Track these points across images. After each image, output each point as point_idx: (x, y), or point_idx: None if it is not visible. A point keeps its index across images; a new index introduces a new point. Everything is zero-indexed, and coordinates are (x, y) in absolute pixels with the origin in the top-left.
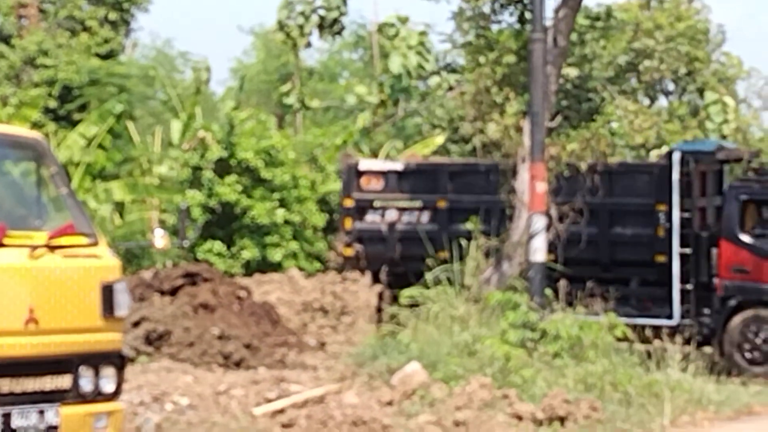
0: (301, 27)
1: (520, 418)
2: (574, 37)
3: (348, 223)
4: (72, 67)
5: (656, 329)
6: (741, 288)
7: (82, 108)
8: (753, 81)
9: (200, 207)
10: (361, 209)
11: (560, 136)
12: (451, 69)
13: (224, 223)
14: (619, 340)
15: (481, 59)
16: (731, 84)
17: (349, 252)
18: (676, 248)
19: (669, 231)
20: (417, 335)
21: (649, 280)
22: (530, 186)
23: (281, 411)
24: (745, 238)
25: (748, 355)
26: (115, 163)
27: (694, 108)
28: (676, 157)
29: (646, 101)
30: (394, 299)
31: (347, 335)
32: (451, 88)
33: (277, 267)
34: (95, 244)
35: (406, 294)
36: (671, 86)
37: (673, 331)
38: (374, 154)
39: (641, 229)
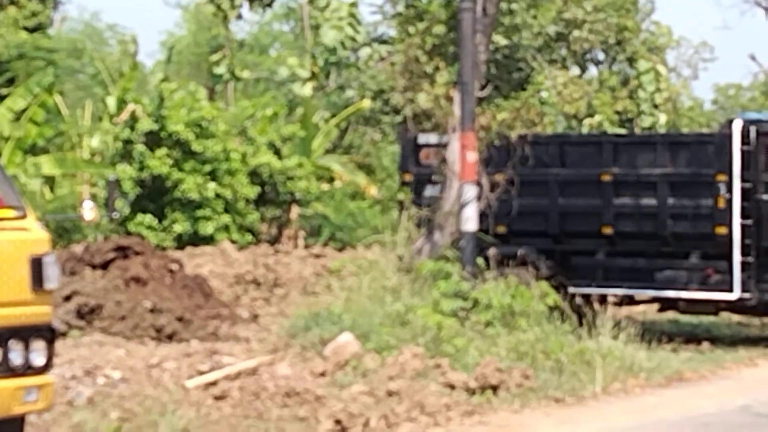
0: None
1: (452, 387)
2: (503, 6)
3: (410, 199)
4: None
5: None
6: None
7: (10, 82)
8: (682, 50)
9: (131, 180)
10: (419, 183)
11: (490, 106)
12: (381, 40)
13: (155, 197)
14: (551, 309)
15: (411, 29)
16: (661, 53)
17: None
18: (737, 219)
19: (730, 202)
20: (349, 306)
21: (710, 253)
22: (461, 155)
23: (214, 383)
24: None
25: None
26: (45, 138)
27: (625, 77)
28: (738, 125)
29: (577, 71)
30: None
31: (280, 307)
32: (382, 59)
33: (209, 240)
34: (23, 217)
35: (335, 265)
36: (601, 56)
37: (733, 306)
38: (303, 126)
39: (701, 200)
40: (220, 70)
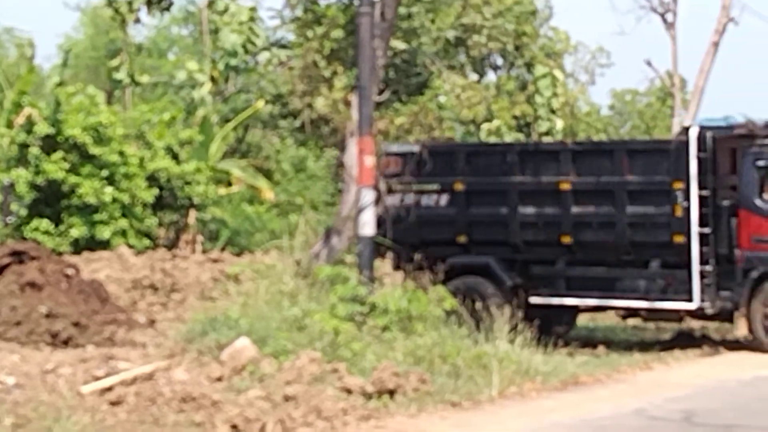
0: (129, 3)
1: (349, 391)
2: (402, 10)
3: None
4: None
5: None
6: (762, 259)
7: None
8: (580, 56)
9: (27, 185)
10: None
11: (389, 110)
12: (280, 45)
13: (52, 201)
14: (448, 313)
15: (310, 34)
16: (559, 58)
17: None
18: (695, 227)
19: (687, 210)
20: (246, 311)
21: (669, 262)
22: (359, 160)
23: (109, 389)
24: (765, 205)
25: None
26: None
27: (523, 83)
28: (694, 132)
29: (475, 76)
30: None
31: (177, 312)
32: (281, 64)
33: (106, 245)
34: None
35: (232, 270)
36: (500, 61)
37: (694, 315)
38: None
39: (659, 208)
40: (120, 75)
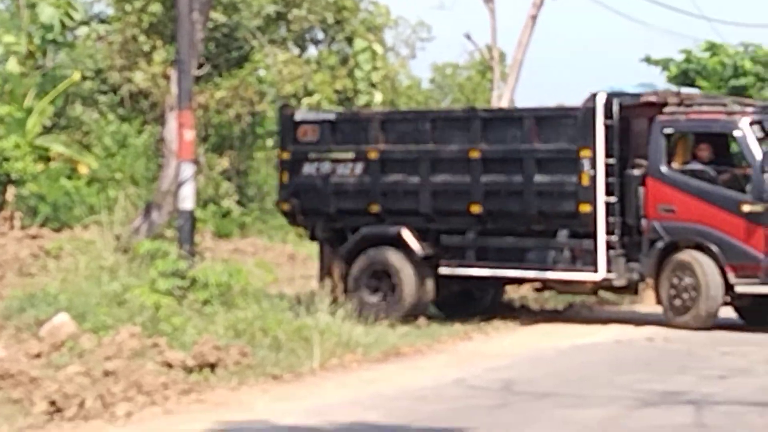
0: None
1: (170, 366)
2: None
3: (285, 177)
4: None
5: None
6: (669, 229)
7: None
8: (400, 30)
9: None
10: (297, 161)
11: (209, 84)
12: (100, 19)
13: None
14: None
15: (128, 8)
16: (379, 33)
17: (286, 207)
18: (602, 197)
19: (594, 179)
20: (66, 287)
21: (577, 232)
22: (178, 134)
23: None
24: (672, 174)
25: (676, 302)
26: None
27: (344, 57)
28: (601, 99)
29: (297, 50)
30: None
31: None
32: (100, 38)
33: None
34: None
35: (52, 246)
36: (321, 35)
37: (602, 286)
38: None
39: (566, 177)
40: None
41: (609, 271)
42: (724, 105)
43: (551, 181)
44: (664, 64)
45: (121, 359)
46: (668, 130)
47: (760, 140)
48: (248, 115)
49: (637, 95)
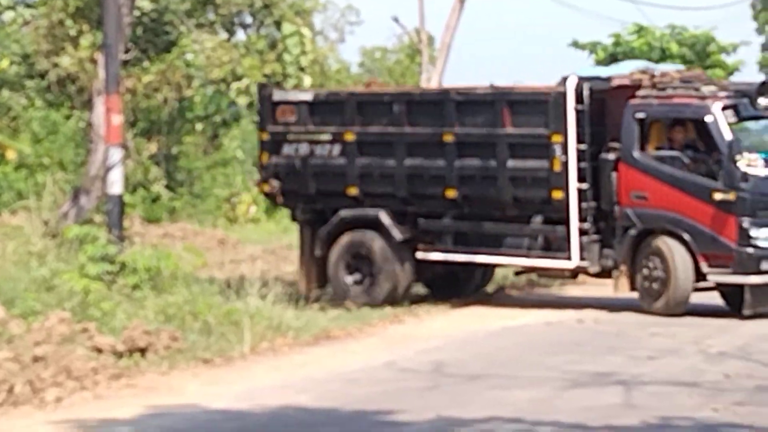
0: None
1: (100, 351)
2: None
3: (264, 158)
4: None
5: None
6: (641, 215)
7: None
8: (329, 13)
9: None
10: (276, 142)
11: (136, 69)
12: (26, 4)
13: None
14: None
15: None
16: (308, 17)
17: (266, 188)
18: (574, 183)
19: (566, 165)
20: None
21: (551, 218)
22: (106, 119)
23: None
24: (644, 160)
25: (649, 289)
26: None
27: (272, 41)
28: (572, 83)
29: (225, 35)
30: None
31: None
32: (26, 23)
33: None
34: None
35: None
36: (249, 20)
37: (576, 274)
38: None
39: (538, 162)
40: None
41: (582, 258)
42: (697, 89)
43: (524, 166)
44: (592, 47)
45: (51, 345)
46: (640, 115)
47: (732, 125)
48: (177, 99)
49: (607, 79)
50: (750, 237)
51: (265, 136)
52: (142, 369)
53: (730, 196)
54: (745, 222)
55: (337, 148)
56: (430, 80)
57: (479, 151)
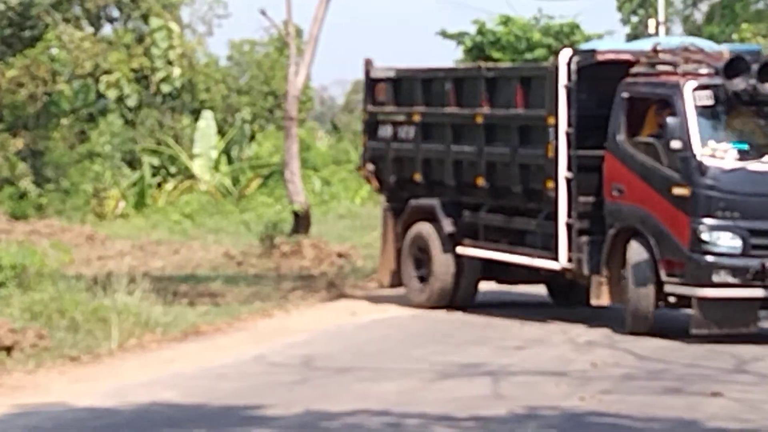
0: None
1: None
2: None
3: (364, 141)
4: None
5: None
6: (616, 213)
7: None
8: (197, 7)
9: None
10: (373, 124)
11: (0, 64)
12: None
13: None
14: None
15: None
16: (175, 10)
17: (362, 173)
18: (563, 172)
19: (557, 151)
20: None
21: (550, 212)
22: None
23: None
24: (624, 147)
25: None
26: None
27: (140, 35)
28: (564, 57)
29: (91, 29)
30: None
31: None
32: None
33: None
34: None
35: None
36: (116, 13)
37: (562, 276)
38: None
39: (536, 149)
40: None
41: (570, 260)
42: (676, 66)
43: (525, 153)
44: (459, 37)
45: None
46: (625, 95)
47: (707, 108)
48: (43, 94)
49: (591, 51)
50: (701, 241)
51: (364, 117)
52: (8, 368)
53: (685, 192)
54: (697, 223)
55: (411, 131)
56: (298, 73)
57: (500, 135)
